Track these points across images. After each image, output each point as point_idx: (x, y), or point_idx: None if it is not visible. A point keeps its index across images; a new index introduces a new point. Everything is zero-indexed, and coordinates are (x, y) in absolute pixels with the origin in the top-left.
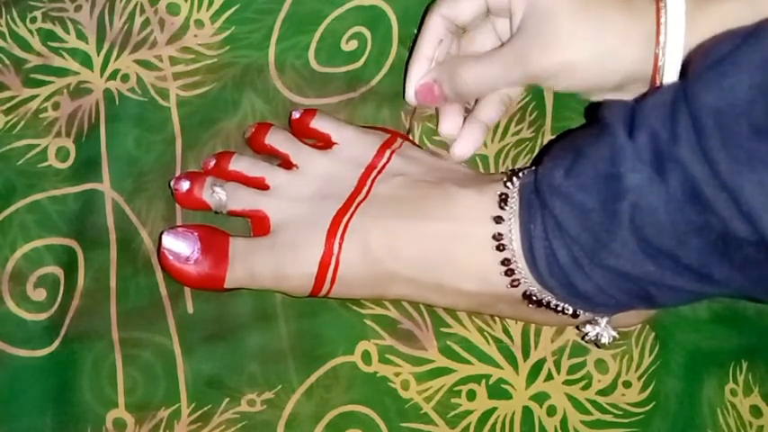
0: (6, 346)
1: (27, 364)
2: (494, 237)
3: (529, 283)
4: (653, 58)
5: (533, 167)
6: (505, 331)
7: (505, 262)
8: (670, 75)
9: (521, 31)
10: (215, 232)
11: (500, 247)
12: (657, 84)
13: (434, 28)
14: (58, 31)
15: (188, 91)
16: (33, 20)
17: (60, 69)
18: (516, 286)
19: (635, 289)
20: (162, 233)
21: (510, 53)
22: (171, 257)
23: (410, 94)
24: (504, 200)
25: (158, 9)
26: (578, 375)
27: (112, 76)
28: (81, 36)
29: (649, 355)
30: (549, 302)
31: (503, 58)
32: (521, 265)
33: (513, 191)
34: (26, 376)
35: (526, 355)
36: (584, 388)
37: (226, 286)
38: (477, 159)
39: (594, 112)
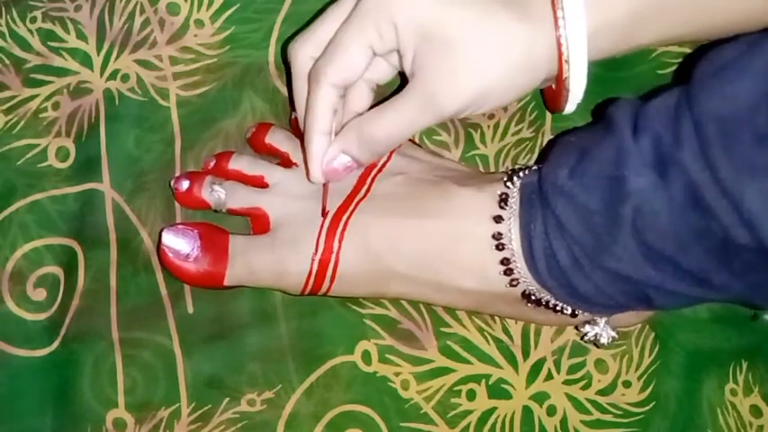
0: (6, 346)
1: (27, 364)
2: (493, 236)
3: (528, 282)
4: (557, 58)
5: (534, 167)
6: (505, 331)
7: (504, 261)
8: (578, 72)
9: (420, 69)
10: (215, 230)
11: (499, 247)
12: (564, 78)
13: (327, 100)
14: (58, 31)
15: (188, 91)
16: (33, 20)
17: (60, 69)
18: (515, 285)
19: (634, 291)
20: (162, 230)
21: (416, 97)
22: (171, 255)
23: (316, 174)
24: (504, 199)
25: (158, 9)
26: (578, 375)
27: (112, 75)
28: (81, 36)
29: (649, 355)
30: (547, 302)
31: (410, 104)
32: (520, 264)
33: (514, 190)
34: (26, 376)
35: (526, 354)
36: (584, 388)
37: (225, 284)
38: (477, 159)
39: (601, 110)
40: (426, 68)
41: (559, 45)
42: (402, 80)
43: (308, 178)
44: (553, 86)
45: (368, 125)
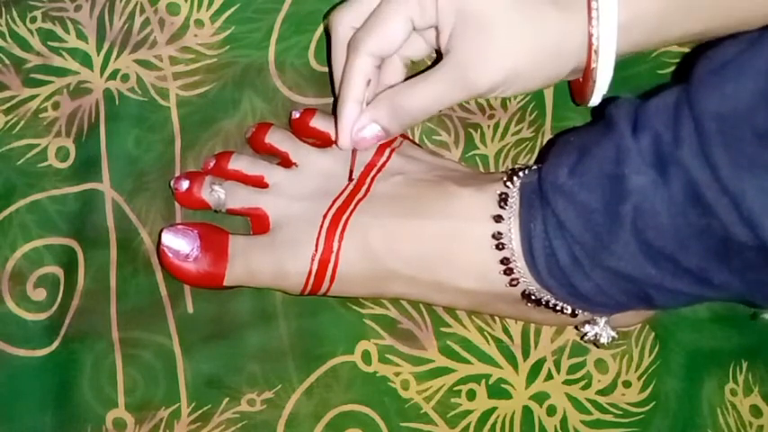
0: (6, 346)
1: (27, 364)
2: (493, 236)
3: (528, 282)
4: (587, 48)
5: (534, 166)
6: (505, 331)
7: (504, 261)
8: (605, 63)
9: (455, 46)
10: (214, 230)
11: (499, 246)
12: (592, 68)
13: (363, 68)
14: (58, 30)
15: (188, 91)
16: (33, 20)
17: (60, 69)
18: (515, 285)
19: (634, 290)
20: (161, 230)
21: (449, 72)
22: (170, 255)
23: (345, 142)
24: (503, 199)
25: (158, 9)
26: (578, 375)
27: (112, 75)
28: (81, 36)
29: (649, 355)
30: (547, 302)
31: (442, 78)
32: (520, 264)
33: (514, 190)
34: (26, 376)
35: (526, 354)
36: (584, 388)
37: (225, 284)
38: (477, 159)
39: (600, 109)
40: (461, 46)
41: (590, 35)
42: (437, 57)
43: (337, 144)
44: (580, 79)
45: (400, 96)
